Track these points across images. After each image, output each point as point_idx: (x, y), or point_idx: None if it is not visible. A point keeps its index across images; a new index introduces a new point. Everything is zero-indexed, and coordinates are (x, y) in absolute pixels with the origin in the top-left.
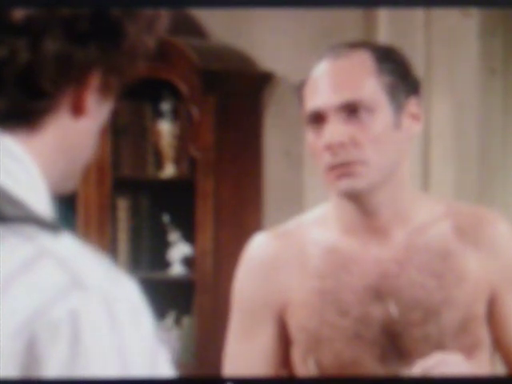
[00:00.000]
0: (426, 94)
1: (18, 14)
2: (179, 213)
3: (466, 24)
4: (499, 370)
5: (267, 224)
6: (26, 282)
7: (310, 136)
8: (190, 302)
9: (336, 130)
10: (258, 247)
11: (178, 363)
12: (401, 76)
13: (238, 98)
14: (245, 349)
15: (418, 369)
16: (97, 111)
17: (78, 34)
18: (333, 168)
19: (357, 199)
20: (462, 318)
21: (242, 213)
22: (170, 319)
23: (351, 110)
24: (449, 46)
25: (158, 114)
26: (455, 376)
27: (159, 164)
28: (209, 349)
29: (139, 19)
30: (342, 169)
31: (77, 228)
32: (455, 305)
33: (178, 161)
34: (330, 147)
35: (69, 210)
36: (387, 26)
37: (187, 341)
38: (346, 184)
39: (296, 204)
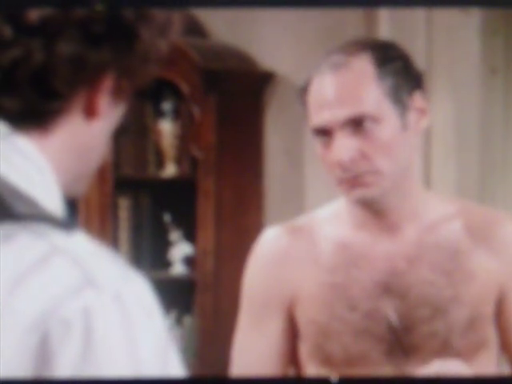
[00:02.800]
0: (427, 93)
1: (33, 14)
2: (180, 212)
3: (467, 23)
4: (505, 370)
5: (268, 223)
6: (39, 280)
7: (318, 147)
8: (191, 302)
9: (344, 145)
10: (269, 241)
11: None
12: (403, 74)
13: (239, 98)
14: (253, 341)
15: (419, 374)
16: (109, 114)
17: (92, 36)
18: (345, 180)
19: (369, 204)
20: (469, 316)
21: (243, 212)
22: (171, 319)
23: (357, 123)
24: (450, 45)
25: (160, 114)
26: (460, 376)
27: (160, 163)
28: (210, 348)
29: (153, 23)
30: (353, 181)
31: (78, 227)
32: (463, 303)
33: (179, 160)
34: (340, 164)
35: (70, 209)
36: (388, 25)
37: (188, 340)
38: (358, 194)
39: (297, 203)
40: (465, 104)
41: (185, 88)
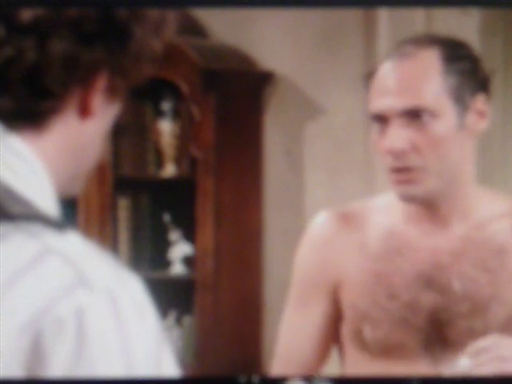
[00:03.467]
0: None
1: (26, 14)
2: (180, 212)
3: (466, 24)
4: None
5: (268, 223)
6: (32, 279)
7: (373, 133)
8: (191, 302)
9: (398, 135)
10: (319, 225)
11: (179, 363)
12: (469, 74)
13: (238, 98)
14: (299, 319)
15: (471, 348)
16: (103, 113)
17: (85, 35)
18: (394, 171)
19: (417, 201)
20: (508, 315)
21: (243, 212)
22: (170, 319)
23: (414, 114)
24: None
25: (159, 114)
26: (461, 376)
27: (160, 163)
28: (209, 348)
29: (146, 22)
30: (402, 175)
31: (78, 227)
32: (504, 302)
33: (178, 160)
34: (391, 152)
35: (70, 209)
36: (388, 25)
37: (188, 340)
38: (404, 190)
39: (296, 203)
40: None
41: (184, 88)
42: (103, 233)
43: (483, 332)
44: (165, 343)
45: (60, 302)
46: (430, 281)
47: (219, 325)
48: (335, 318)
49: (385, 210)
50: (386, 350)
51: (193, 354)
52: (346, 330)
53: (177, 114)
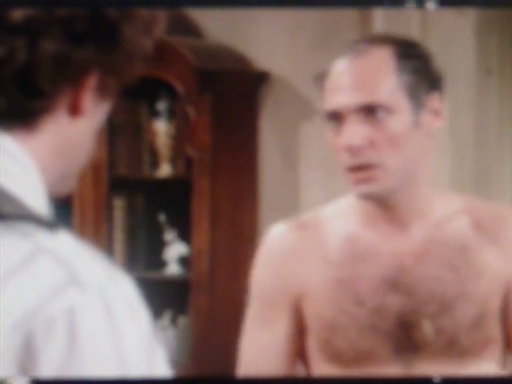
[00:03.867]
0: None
1: (17, 14)
2: (175, 212)
3: (461, 23)
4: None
5: (263, 223)
6: (23, 279)
7: (329, 133)
8: (186, 302)
9: (354, 131)
10: (276, 237)
11: (174, 363)
12: (422, 73)
13: (234, 98)
14: (262, 337)
15: None
16: (94, 111)
17: (75, 34)
18: (352, 170)
19: (375, 199)
20: (476, 312)
21: (238, 212)
22: (165, 319)
23: (369, 110)
24: (445, 45)
25: (154, 114)
26: (465, 376)
27: (155, 163)
28: (205, 348)
29: (136, 21)
30: (360, 173)
31: (73, 227)
32: (470, 299)
33: (174, 160)
34: (349, 149)
35: (65, 209)
36: (383, 25)
37: (183, 340)
38: (364, 189)
39: (292, 203)
40: (460, 104)
41: (180, 88)
42: (98, 233)
43: (452, 332)
44: (157, 343)
45: (51, 301)
46: (395, 284)
47: (214, 325)
48: (300, 332)
49: (340, 217)
50: (356, 359)
51: (188, 353)
52: (312, 343)
53: (172, 114)
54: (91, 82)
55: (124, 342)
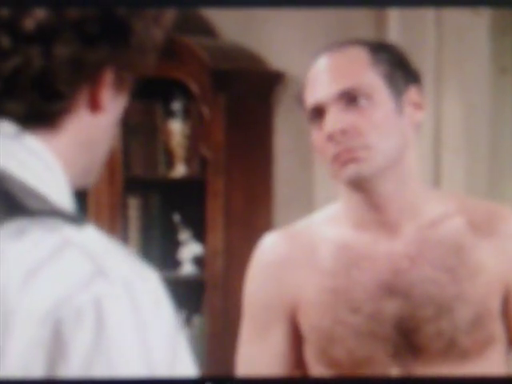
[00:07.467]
0: (436, 93)
1: (29, 22)
2: (190, 212)
3: (476, 23)
4: None
5: (278, 223)
6: (52, 271)
7: (313, 133)
8: (201, 302)
9: (336, 118)
10: (268, 248)
11: None
12: (397, 66)
13: (248, 98)
14: (258, 350)
15: None
16: (113, 106)
17: (88, 35)
18: (337, 156)
19: (364, 189)
20: (475, 313)
21: (253, 212)
22: (180, 319)
23: (350, 98)
24: (459, 45)
25: (169, 114)
26: (466, 376)
27: (170, 163)
28: (219, 348)
29: (145, 14)
30: (346, 155)
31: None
32: (468, 300)
33: (188, 160)
34: (332, 137)
35: (80, 208)
36: (398, 24)
37: (198, 340)
38: (351, 170)
39: (306, 203)
40: (474, 104)
41: (194, 88)
42: (113, 232)
43: (452, 334)
44: (182, 339)
45: (79, 292)
46: (391, 288)
47: (229, 324)
48: (296, 343)
49: (331, 223)
50: (355, 366)
51: (202, 353)
52: (310, 352)
53: (187, 114)
54: (107, 77)
55: (149, 332)
